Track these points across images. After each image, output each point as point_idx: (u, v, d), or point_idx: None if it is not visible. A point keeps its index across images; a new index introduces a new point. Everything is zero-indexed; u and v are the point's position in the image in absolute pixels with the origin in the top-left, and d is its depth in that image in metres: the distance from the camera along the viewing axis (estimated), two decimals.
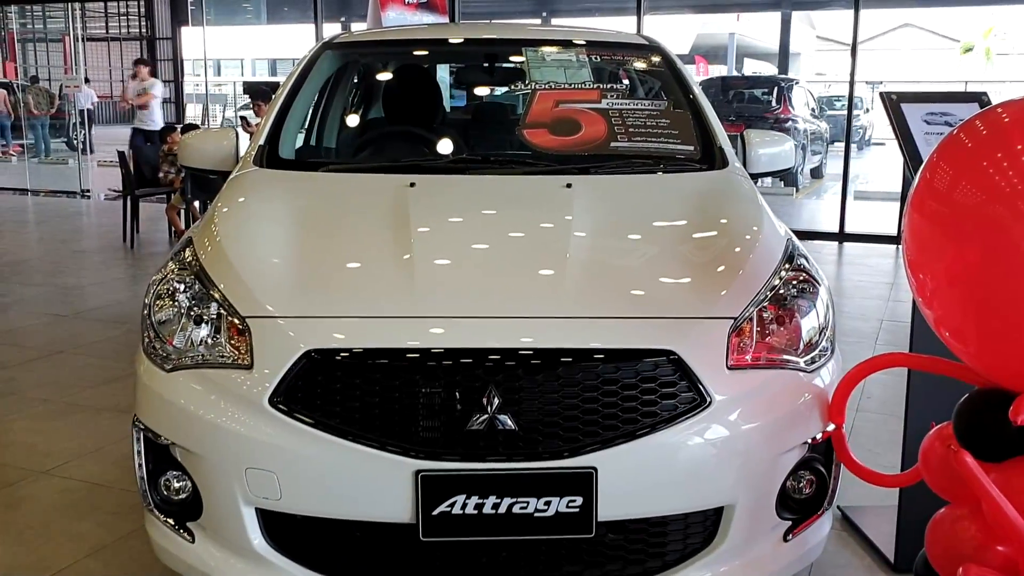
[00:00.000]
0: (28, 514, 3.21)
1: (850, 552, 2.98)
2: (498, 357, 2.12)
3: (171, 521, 2.33)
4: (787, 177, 13.13)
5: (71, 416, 4.15)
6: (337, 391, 2.12)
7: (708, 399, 2.15)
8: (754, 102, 14.79)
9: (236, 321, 2.26)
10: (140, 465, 2.35)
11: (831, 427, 2.31)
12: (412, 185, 2.81)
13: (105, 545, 2.97)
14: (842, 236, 9.40)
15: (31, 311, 6.13)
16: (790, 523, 2.34)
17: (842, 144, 10.75)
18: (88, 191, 12.51)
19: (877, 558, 2.92)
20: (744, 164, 3.26)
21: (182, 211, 8.69)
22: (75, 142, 15.58)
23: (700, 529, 2.22)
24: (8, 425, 4.03)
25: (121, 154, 9.00)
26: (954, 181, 1.88)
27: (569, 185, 2.82)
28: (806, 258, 2.55)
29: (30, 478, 3.48)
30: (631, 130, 3.23)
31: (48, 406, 4.27)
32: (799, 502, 2.35)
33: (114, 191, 11.50)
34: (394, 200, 2.72)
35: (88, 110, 14.28)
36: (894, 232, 9.02)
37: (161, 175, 8.86)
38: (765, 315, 2.33)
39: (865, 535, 3.03)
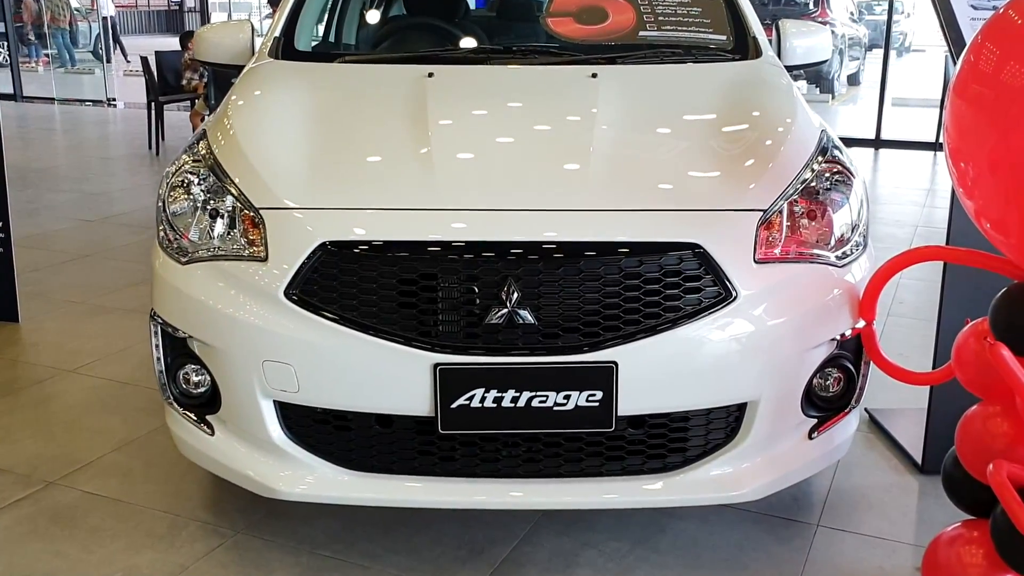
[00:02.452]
0: (57, 410, 3.25)
1: (877, 454, 2.94)
2: (519, 251, 2.06)
3: (191, 414, 2.34)
4: (823, 83, 12.76)
5: (99, 317, 4.17)
6: (354, 284, 2.09)
7: (733, 293, 2.09)
8: (791, 5, 14.27)
9: (251, 213, 2.21)
10: (158, 359, 2.35)
11: (861, 323, 2.25)
12: (431, 75, 2.72)
13: (131, 440, 3.01)
14: (878, 142, 9.16)
15: (59, 216, 6.14)
16: (816, 420, 2.30)
17: (880, 51, 10.43)
18: (114, 100, 12.45)
19: (905, 460, 2.88)
20: (779, 55, 3.12)
21: (205, 117, 8.60)
22: (100, 51, 15.55)
23: (723, 424, 2.19)
24: (37, 325, 4.07)
25: (144, 60, 8.91)
26: (1001, 62, 1.77)
27: (595, 75, 2.72)
28: (840, 150, 2.45)
29: (59, 376, 3.52)
30: (661, 18, 3.09)
31: (76, 307, 4.30)
32: (825, 400, 2.30)
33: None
34: (412, 90, 2.63)
35: (110, 17, 14.06)
36: (931, 139, 8.78)
37: (184, 82, 8.77)
38: (796, 208, 2.25)
39: (893, 437, 2.99)
